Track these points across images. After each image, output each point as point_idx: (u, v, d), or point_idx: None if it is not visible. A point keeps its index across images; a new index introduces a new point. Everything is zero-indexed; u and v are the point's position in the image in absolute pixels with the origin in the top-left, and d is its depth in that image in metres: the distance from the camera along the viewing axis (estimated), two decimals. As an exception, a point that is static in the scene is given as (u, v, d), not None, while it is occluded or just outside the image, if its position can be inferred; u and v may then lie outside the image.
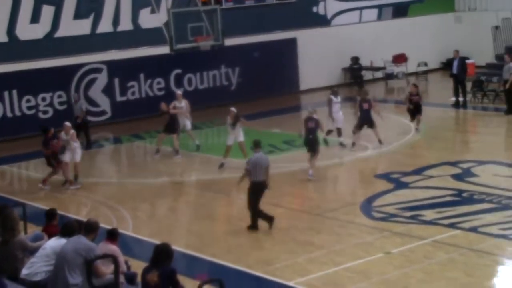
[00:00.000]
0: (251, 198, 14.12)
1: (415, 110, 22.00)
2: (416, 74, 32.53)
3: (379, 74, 32.89)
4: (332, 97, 21.12)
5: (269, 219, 14.14)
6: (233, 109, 19.44)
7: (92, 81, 26.62)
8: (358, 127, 20.50)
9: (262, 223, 14.29)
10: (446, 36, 34.04)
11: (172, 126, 20.73)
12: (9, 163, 21.57)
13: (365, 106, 20.47)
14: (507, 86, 23.64)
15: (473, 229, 13.43)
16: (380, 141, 20.31)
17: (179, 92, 22.11)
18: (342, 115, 21.00)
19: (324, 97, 28.70)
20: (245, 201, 14.29)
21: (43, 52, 25.68)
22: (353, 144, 20.34)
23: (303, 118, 18.96)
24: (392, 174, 17.63)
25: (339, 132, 20.90)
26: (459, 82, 25.75)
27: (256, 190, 14.08)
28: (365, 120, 20.40)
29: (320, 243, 13.20)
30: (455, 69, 25.78)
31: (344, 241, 13.29)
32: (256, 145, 14.50)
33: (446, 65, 34.03)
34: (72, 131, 18.59)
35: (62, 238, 9.68)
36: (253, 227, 14.12)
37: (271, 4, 30.43)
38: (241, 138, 19.24)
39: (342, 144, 20.72)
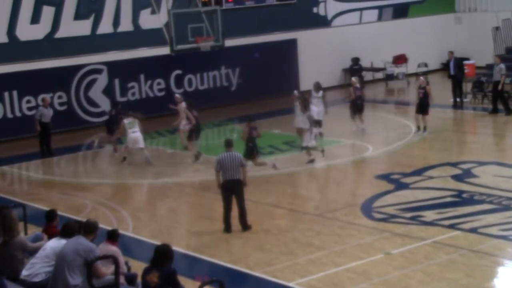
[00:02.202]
0: (225, 198, 14.07)
1: (356, 106, 22.46)
2: (416, 75, 32.51)
3: (380, 75, 32.90)
4: (312, 91, 21.86)
5: (246, 227, 14.10)
6: (296, 92, 20.98)
7: (92, 82, 26.62)
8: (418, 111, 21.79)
9: (261, 224, 14.30)
10: (447, 37, 34.05)
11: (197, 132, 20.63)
12: (10, 163, 21.56)
13: (421, 94, 21.70)
14: (500, 87, 23.78)
15: (474, 230, 13.43)
16: (424, 128, 21.60)
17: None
18: (323, 109, 21.58)
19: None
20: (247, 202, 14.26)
21: (44, 52, 25.69)
22: (418, 128, 21.76)
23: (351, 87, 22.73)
24: (393, 175, 17.63)
25: (319, 124, 21.44)
26: (456, 83, 25.84)
27: (230, 189, 13.97)
28: (420, 106, 21.67)
29: (320, 244, 13.19)
30: (452, 70, 25.95)
31: (345, 242, 13.28)
32: (227, 144, 14.27)
33: (446, 66, 34.00)
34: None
35: (62, 239, 9.69)
36: (227, 229, 14.11)
37: (272, 5, 30.35)
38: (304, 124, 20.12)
39: (321, 134, 21.33)
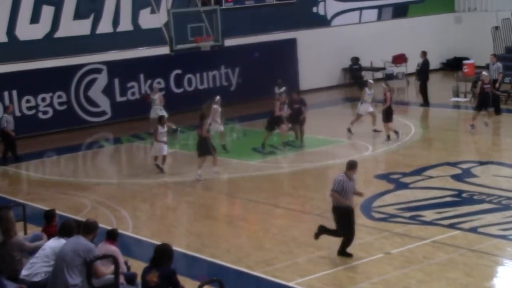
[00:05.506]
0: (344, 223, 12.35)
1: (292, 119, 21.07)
2: (416, 74, 32.48)
3: (379, 75, 32.86)
4: (276, 88, 22.82)
5: (343, 253, 12.52)
6: (371, 80, 23.36)
7: (92, 82, 26.63)
8: (479, 108, 22.10)
9: (260, 224, 14.32)
10: (446, 36, 34.06)
11: None
12: (9, 163, 21.54)
13: (488, 88, 22.07)
14: (497, 85, 23.98)
15: (473, 230, 13.43)
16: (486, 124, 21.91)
17: None
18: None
19: (323, 98, 28.79)
20: (243, 201, 14.24)
21: (43, 52, 25.69)
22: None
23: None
24: (392, 175, 17.63)
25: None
26: (421, 82, 26.59)
27: (345, 215, 12.33)
28: (484, 103, 22.01)
29: (320, 244, 13.18)
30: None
31: (344, 241, 13.26)
32: (352, 166, 12.35)
33: (446, 66, 34.14)
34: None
35: (61, 239, 9.69)
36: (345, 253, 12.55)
37: (271, 5, 30.36)
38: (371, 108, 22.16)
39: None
